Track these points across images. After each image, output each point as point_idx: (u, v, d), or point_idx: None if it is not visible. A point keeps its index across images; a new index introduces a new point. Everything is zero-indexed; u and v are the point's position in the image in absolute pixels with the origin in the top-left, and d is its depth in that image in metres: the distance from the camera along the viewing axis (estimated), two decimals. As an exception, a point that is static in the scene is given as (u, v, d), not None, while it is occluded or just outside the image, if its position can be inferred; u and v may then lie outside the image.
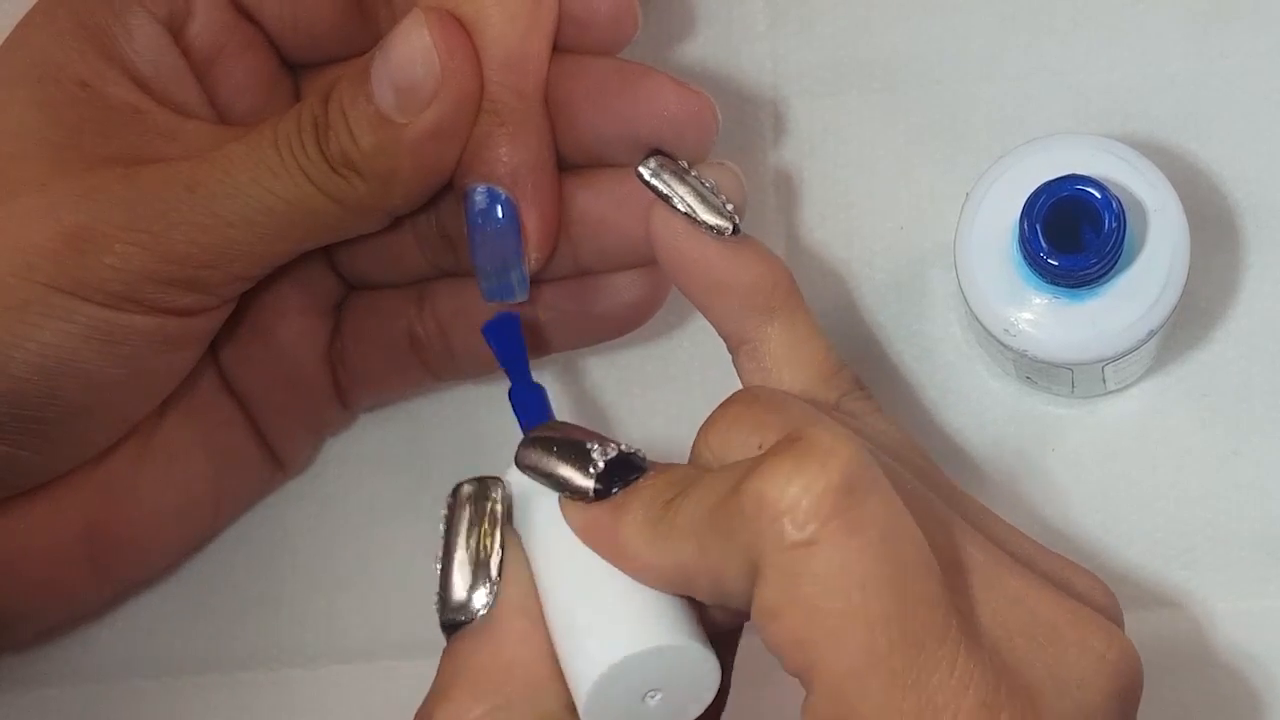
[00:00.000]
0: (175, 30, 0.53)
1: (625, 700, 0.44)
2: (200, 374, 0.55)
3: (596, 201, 0.52)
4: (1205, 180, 0.57)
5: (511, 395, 0.50)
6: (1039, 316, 0.52)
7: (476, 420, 0.59)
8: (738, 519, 0.41)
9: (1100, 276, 0.51)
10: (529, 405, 0.50)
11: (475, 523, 0.46)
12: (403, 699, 0.57)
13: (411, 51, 0.49)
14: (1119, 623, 0.45)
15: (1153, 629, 0.55)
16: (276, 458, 0.57)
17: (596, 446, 0.45)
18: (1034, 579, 0.43)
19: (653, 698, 0.44)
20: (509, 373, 0.50)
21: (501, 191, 0.51)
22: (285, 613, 0.58)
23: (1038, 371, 0.54)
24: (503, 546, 0.46)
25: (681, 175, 0.49)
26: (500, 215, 0.51)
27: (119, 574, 0.56)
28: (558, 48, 0.52)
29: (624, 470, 0.44)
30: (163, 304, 0.50)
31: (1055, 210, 0.50)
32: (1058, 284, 0.51)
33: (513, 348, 0.51)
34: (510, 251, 0.51)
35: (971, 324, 0.54)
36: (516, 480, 0.46)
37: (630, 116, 0.51)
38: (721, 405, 0.45)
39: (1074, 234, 0.51)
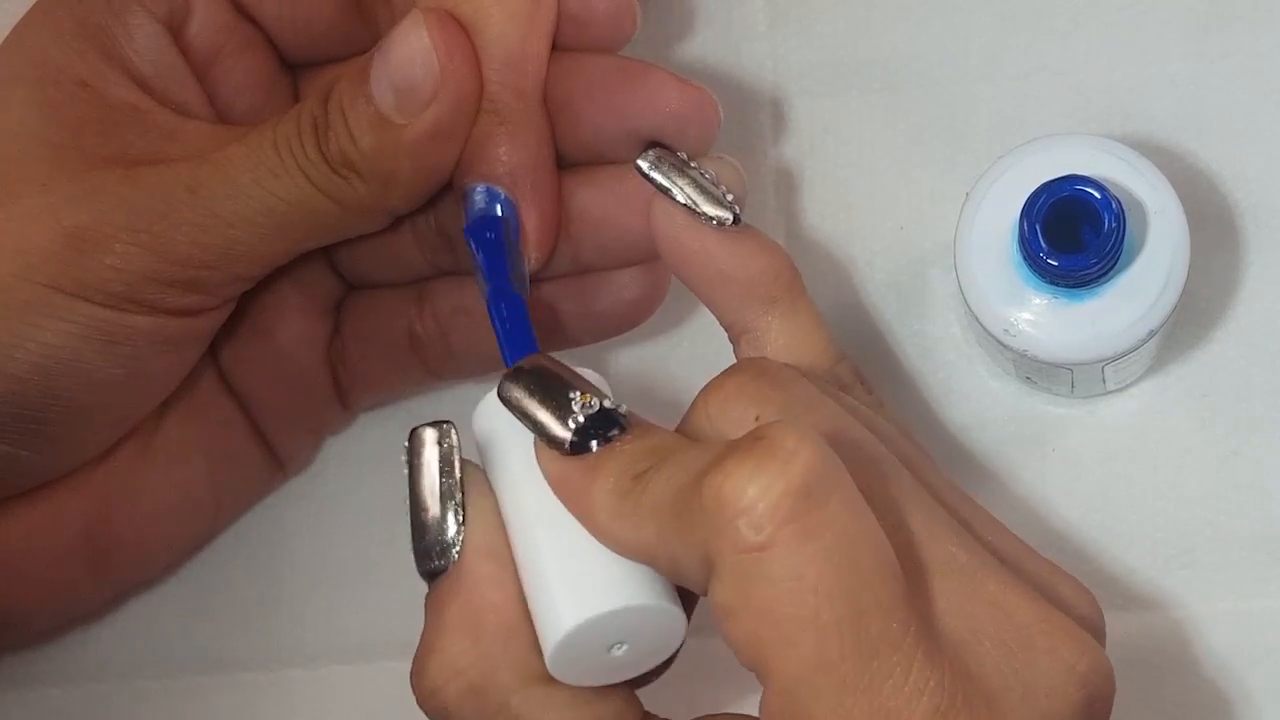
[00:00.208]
0: (175, 30, 0.53)
1: (591, 652, 0.44)
2: (200, 374, 0.55)
3: (597, 199, 0.52)
4: (1205, 180, 0.57)
5: (490, 307, 0.49)
6: (1039, 316, 0.52)
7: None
8: (697, 513, 0.41)
9: (1100, 276, 0.51)
10: (511, 321, 0.49)
11: (437, 466, 0.46)
12: (403, 699, 0.57)
13: (410, 52, 0.49)
14: (1100, 634, 0.44)
15: (1153, 629, 0.55)
16: (276, 458, 0.57)
17: (578, 398, 0.44)
18: (1014, 583, 0.43)
19: (618, 649, 0.44)
20: (489, 279, 0.49)
21: (501, 191, 0.51)
22: (285, 613, 0.58)
23: (1038, 371, 0.54)
24: (464, 488, 0.45)
25: (681, 167, 0.48)
26: (502, 213, 0.51)
27: (119, 574, 0.56)
28: (557, 46, 0.52)
29: (604, 425, 0.44)
30: (163, 304, 0.50)
31: (1055, 210, 0.50)
32: (1057, 284, 0.51)
33: (495, 251, 0.50)
34: (512, 250, 0.51)
35: (971, 324, 0.54)
36: (491, 417, 0.46)
37: (632, 113, 0.51)
38: (727, 371, 0.45)
39: (1074, 234, 0.51)
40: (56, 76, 0.51)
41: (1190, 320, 0.56)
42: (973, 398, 0.57)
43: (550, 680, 0.45)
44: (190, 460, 0.55)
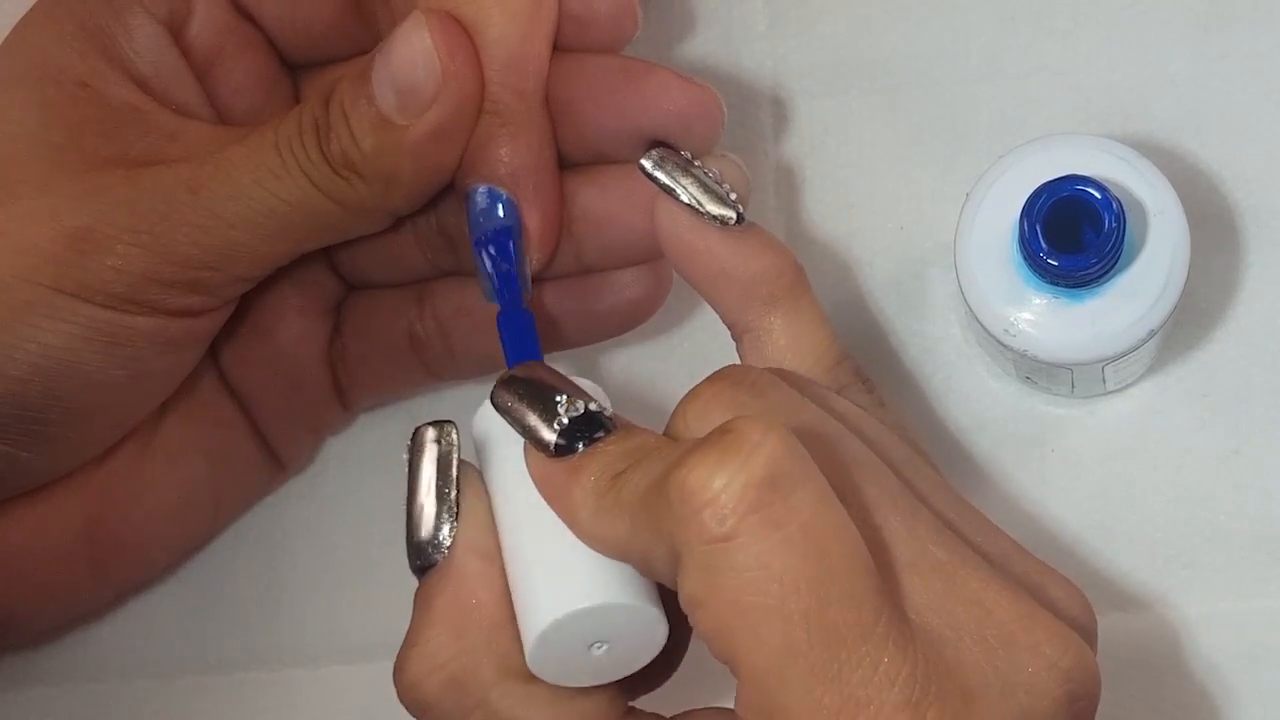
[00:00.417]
0: (175, 31, 0.53)
1: (571, 650, 0.44)
2: (200, 374, 0.55)
3: (600, 198, 0.52)
4: (1205, 180, 0.57)
5: (500, 320, 0.50)
6: (1039, 316, 0.52)
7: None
8: (664, 507, 0.41)
9: (1100, 276, 0.51)
10: (517, 333, 0.49)
11: (435, 465, 0.47)
12: (403, 699, 0.57)
13: (412, 54, 0.49)
14: (1090, 636, 0.44)
15: (1153, 629, 0.55)
16: (276, 458, 0.57)
17: (564, 401, 0.44)
18: (997, 581, 0.42)
19: (599, 648, 0.45)
20: (500, 295, 0.50)
21: (503, 192, 0.51)
22: (285, 613, 0.58)
23: (1038, 371, 0.54)
24: (459, 487, 0.46)
25: (684, 166, 0.49)
26: (502, 215, 0.51)
27: (119, 574, 0.56)
28: (558, 47, 0.52)
29: (589, 428, 0.44)
30: (164, 305, 0.50)
31: (1055, 210, 0.50)
32: (1058, 284, 0.51)
33: (506, 267, 0.50)
34: (514, 250, 0.51)
35: (971, 324, 0.54)
36: (488, 420, 0.46)
37: (635, 112, 0.51)
38: (706, 379, 0.45)
39: (1074, 234, 0.51)
40: (57, 77, 0.51)
41: (1190, 320, 0.56)
42: (973, 398, 0.57)
43: (531, 677, 0.45)
44: (190, 460, 0.55)
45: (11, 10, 0.53)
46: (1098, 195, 0.49)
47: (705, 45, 0.59)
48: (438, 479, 0.47)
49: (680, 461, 0.41)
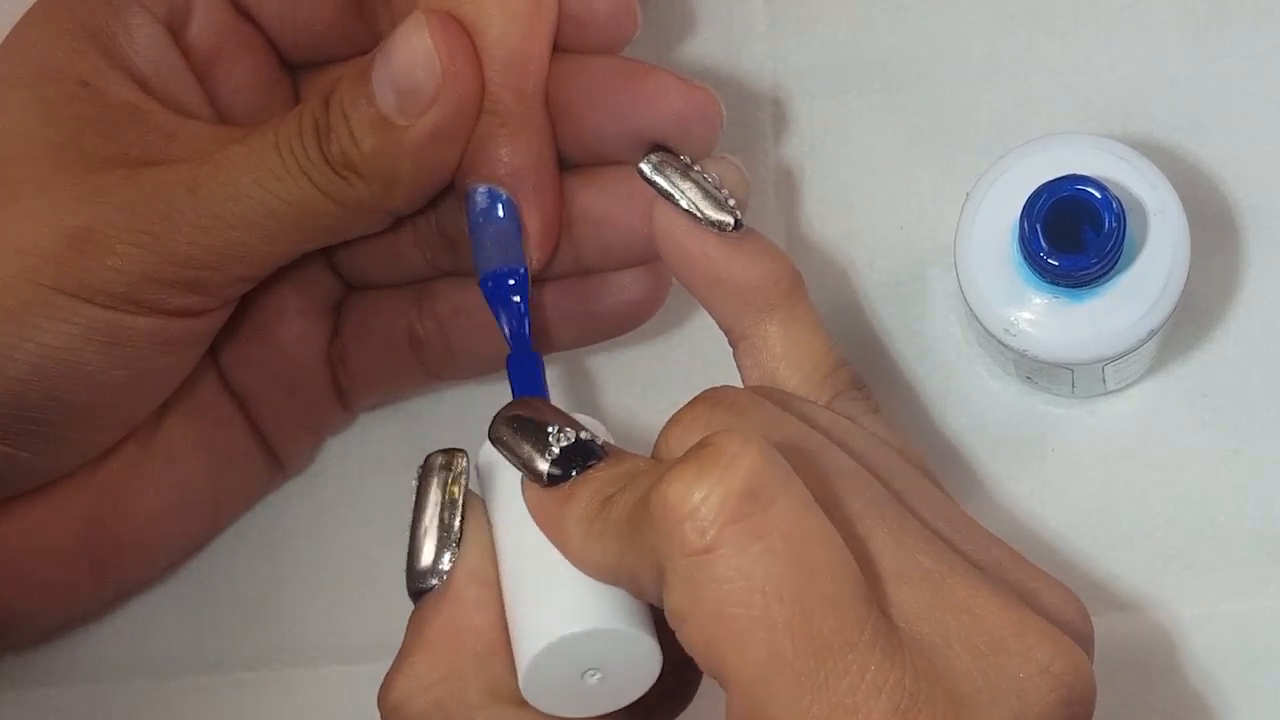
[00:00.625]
0: (175, 31, 0.53)
1: (564, 677, 0.44)
2: (200, 375, 0.55)
3: (599, 200, 0.52)
4: (1205, 180, 0.57)
5: (509, 362, 0.50)
6: (1039, 316, 0.52)
7: (476, 420, 0.58)
8: (647, 523, 0.41)
9: (1100, 276, 0.51)
10: (524, 375, 0.50)
11: (441, 493, 0.47)
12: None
13: (412, 54, 0.49)
14: (1086, 641, 0.44)
15: (1153, 629, 0.55)
16: (276, 458, 0.57)
17: (555, 431, 0.45)
18: (987, 588, 0.42)
19: (592, 676, 0.45)
20: (509, 338, 0.50)
21: (502, 192, 0.51)
22: (285, 613, 0.58)
23: (1038, 371, 0.54)
24: (464, 516, 0.47)
25: (684, 171, 0.49)
26: (502, 216, 0.51)
27: (119, 574, 0.56)
28: (557, 47, 0.52)
29: (581, 456, 0.44)
30: (164, 305, 0.50)
31: (1055, 210, 0.50)
32: (1058, 284, 0.51)
33: (517, 310, 0.50)
34: (513, 250, 0.51)
35: (971, 324, 0.54)
36: (490, 451, 0.47)
37: (634, 114, 0.51)
38: (687, 404, 0.45)
39: (1074, 234, 0.51)
40: (57, 76, 0.51)
41: (1190, 320, 0.56)
42: (973, 398, 0.57)
43: (521, 703, 0.45)
44: (190, 460, 0.55)
45: (11, 10, 0.53)
46: (1098, 195, 0.49)
47: (705, 45, 0.59)
48: (443, 508, 0.47)
49: (660, 478, 0.41)
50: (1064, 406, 0.57)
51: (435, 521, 0.47)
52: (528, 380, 0.50)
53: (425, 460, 0.48)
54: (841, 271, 0.58)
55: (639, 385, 0.58)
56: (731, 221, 0.48)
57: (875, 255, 0.58)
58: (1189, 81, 0.57)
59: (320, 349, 0.56)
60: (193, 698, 0.58)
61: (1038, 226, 0.50)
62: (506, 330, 0.51)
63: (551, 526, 0.45)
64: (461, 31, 0.50)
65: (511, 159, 0.51)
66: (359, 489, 0.59)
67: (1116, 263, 0.50)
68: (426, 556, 0.47)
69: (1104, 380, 0.54)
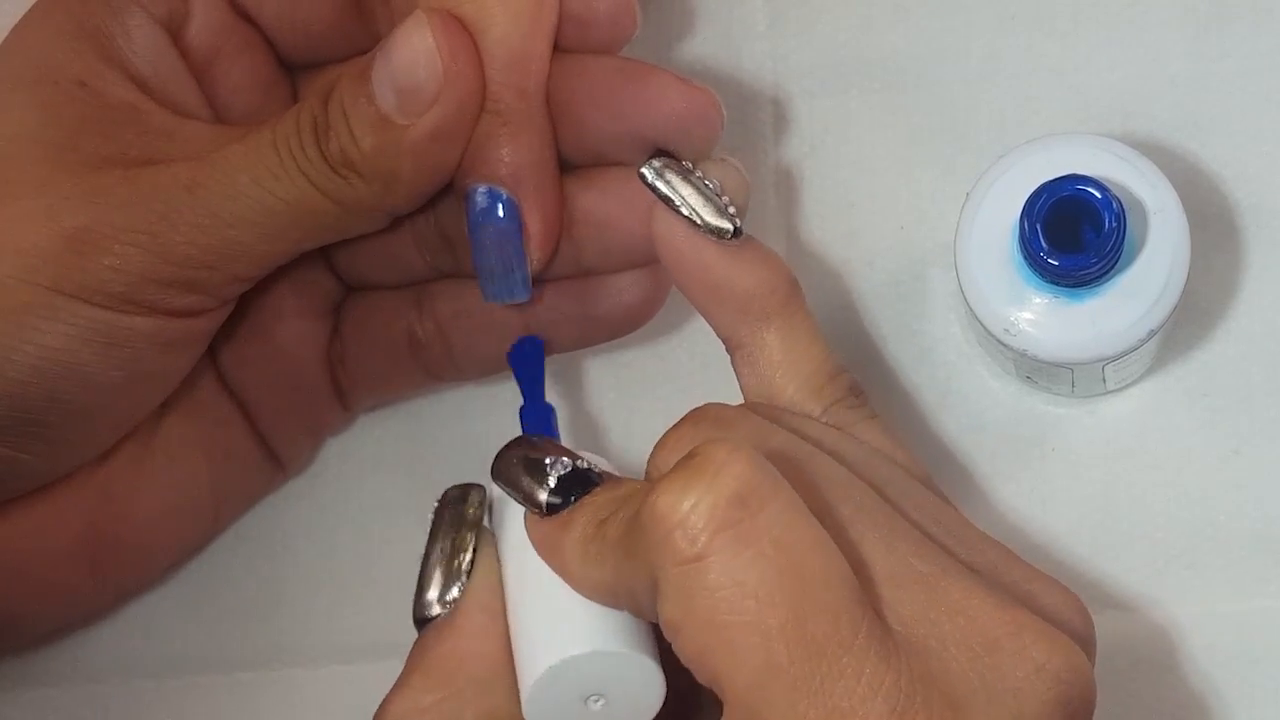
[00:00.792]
0: (174, 31, 0.53)
1: (567, 702, 0.45)
2: (200, 375, 0.55)
3: (600, 201, 0.52)
4: (1205, 180, 0.57)
5: (523, 413, 0.51)
6: (1039, 316, 0.52)
7: (476, 420, 0.59)
8: (639, 536, 0.41)
9: (1100, 276, 0.51)
10: (536, 426, 0.50)
11: (454, 525, 0.48)
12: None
13: (414, 53, 0.49)
14: (1085, 640, 0.44)
15: (1153, 629, 0.55)
16: (276, 458, 0.57)
17: (551, 462, 0.45)
18: (981, 590, 0.42)
19: (595, 702, 0.45)
20: (524, 393, 0.51)
21: (503, 192, 0.51)
22: (285, 613, 0.58)
23: (1038, 371, 0.54)
24: (475, 548, 0.47)
25: (684, 175, 0.48)
26: (502, 216, 0.51)
27: (119, 575, 0.56)
28: (557, 47, 0.52)
29: (579, 485, 0.45)
30: (163, 305, 0.50)
31: (1055, 210, 0.50)
32: (1058, 284, 0.51)
33: (533, 371, 0.51)
34: (513, 252, 0.51)
35: (971, 324, 0.54)
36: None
37: (635, 114, 0.51)
38: (673, 426, 0.46)
39: (1074, 234, 0.51)
40: (55, 77, 0.51)
41: (1191, 320, 0.56)
42: (973, 398, 0.57)
43: None
44: (190, 461, 0.55)
45: (11, 10, 0.53)
46: (1098, 195, 0.49)
47: (705, 45, 0.59)
48: (455, 541, 0.48)
49: (649, 495, 0.41)
50: (1064, 406, 0.57)
51: (446, 554, 0.48)
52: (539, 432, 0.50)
53: (443, 494, 0.49)
54: (841, 271, 0.58)
55: (639, 385, 0.58)
56: (730, 229, 0.48)
57: (875, 255, 0.58)
58: (1189, 81, 0.57)
59: (320, 350, 0.56)
60: (193, 698, 0.58)
61: (1038, 226, 0.50)
62: (522, 386, 0.51)
63: (551, 553, 0.45)
64: (463, 30, 0.50)
65: (513, 158, 0.51)
66: (359, 489, 0.59)
67: (1116, 262, 0.50)
68: (435, 589, 0.47)
69: (1104, 380, 0.54)
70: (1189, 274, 0.52)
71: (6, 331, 0.49)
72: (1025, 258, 0.51)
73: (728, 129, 0.52)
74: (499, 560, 0.48)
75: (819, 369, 0.48)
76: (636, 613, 0.44)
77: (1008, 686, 0.41)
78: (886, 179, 0.58)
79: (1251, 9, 0.57)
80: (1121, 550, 0.56)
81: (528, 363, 0.52)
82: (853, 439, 0.47)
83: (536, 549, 0.45)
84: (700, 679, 0.41)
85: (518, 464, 0.46)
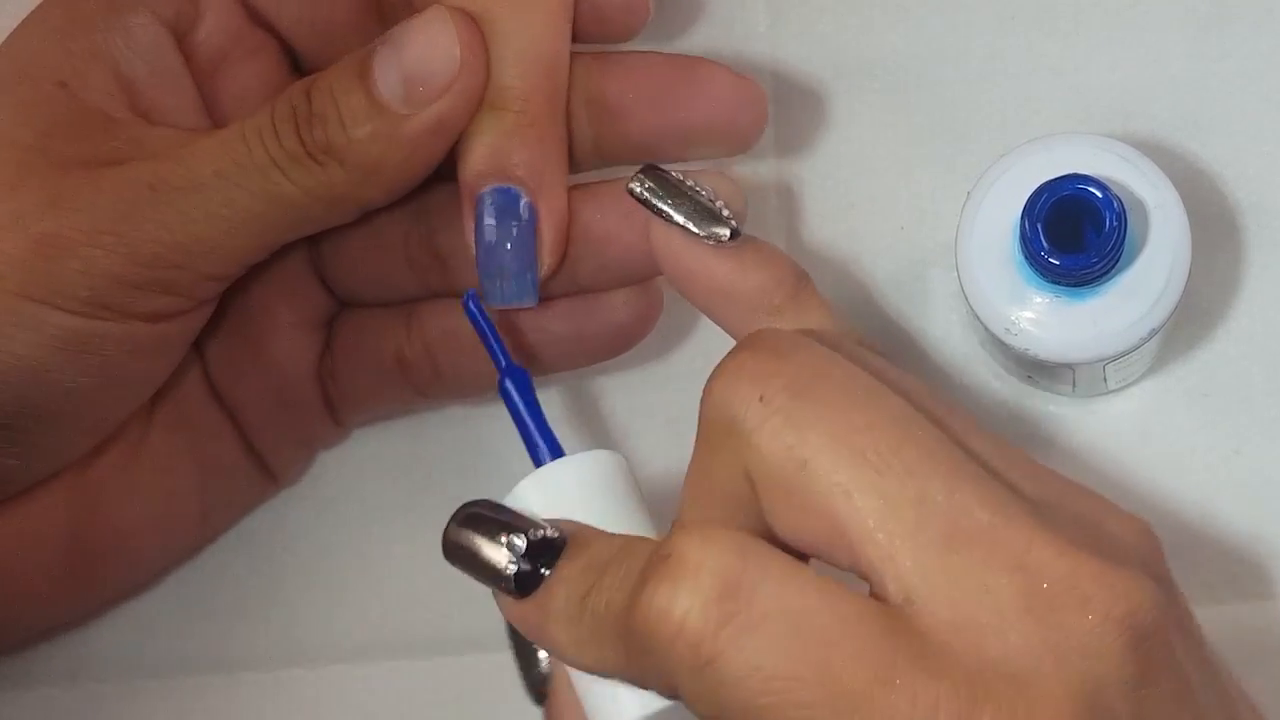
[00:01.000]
0: (180, 33, 0.53)
1: None
2: (190, 386, 0.55)
3: (598, 216, 0.52)
4: (1206, 180, 0.57)
5: (529, 446, 0.50)
6: (1040, 315, 0.52)
7: (476, 421, 0.59)
8: (639, 644, 0.41)
9: (1101, 276, 0.51)
10: (548, 454, 0.49)
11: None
12: (403, 699, 0.58)
13: (431, 43, 0.49)
14: (1151, 558, 0.43)
15: (1153, 629, 0.55)
16: (268, 470, 0.57)
17: (504, 542, 0.45)
18: (1042, 535, 0.41)
19: None
20: (525, 439, 0.50)
21: (522, 193, 0.51)
22: (285, 613, 0.58)
23: (1038, 371, 0.54)
24: None
25: (676, 186, 0.48)
26: (523, 216, 0.51)
27: (101, 583, 0.56)
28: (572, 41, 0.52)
29: (542, 556, 0.45)
30: (134, 309, 0.49)
31: (1056, 209, 0.50)
32: (1059, 283, 0.51)
33: (527, 408, 0.50)
34: (526, 254, 0.51)
35: (972, 323, 0.54)
36: None
37: (687, 107, 0.51)
38: (730, 352, 0.44)
39: (1075, 233, 0.51)
40: (36, 75, 0.51)
41: (1191, 319, 0.56)
42: (973, 398, 0.57)
43: None
44: (178, 471, 0.55)
45: (12, 11, 0.53)
46: (1099, 194, 0.49)
47: (705, 45, 0.59)
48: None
49: (637, 594, 0.41)
50: (1064, 406, 0.57)
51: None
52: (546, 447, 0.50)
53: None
54: (842, 271, 0.58)
55: (639, 387, 0.58)
56: (728, 233, 0.48)
57: (875, 255, 0.58)
58: (1189, 81, 0.57)
59: (310, 364, 0.56)
60: (193, 698, 0.58)
61: (1039, 226, 0.50)
62: (519, 428, 0.50)
63: (539, 638, 0.45)
64: (477, 28, 0.50)
65: (534, 160, 0.50)
66: (359, 489, 0.59)
67: (1117, 262, 0.50)
68: (533, 673, 0.48)
69: (1105, 380, 0.54)
70: (1189, 274, 0.52)
71: None
72: (1026, 257, 0.51)
73: (728, 129, 0.53)
74: None
75: None
76: (649, 690, 0.44)
77: (1074, 645, 0.40)
78: (886, 179, 0.58)
79: (1251, 9, 0.57)
80: (1122, 550, 0.56)
81: (519, 396, 0.50)
82: (911, 375, 0.46)
83: (522, 632, 0.46)
84: None
85: (468, 549, 0.46)
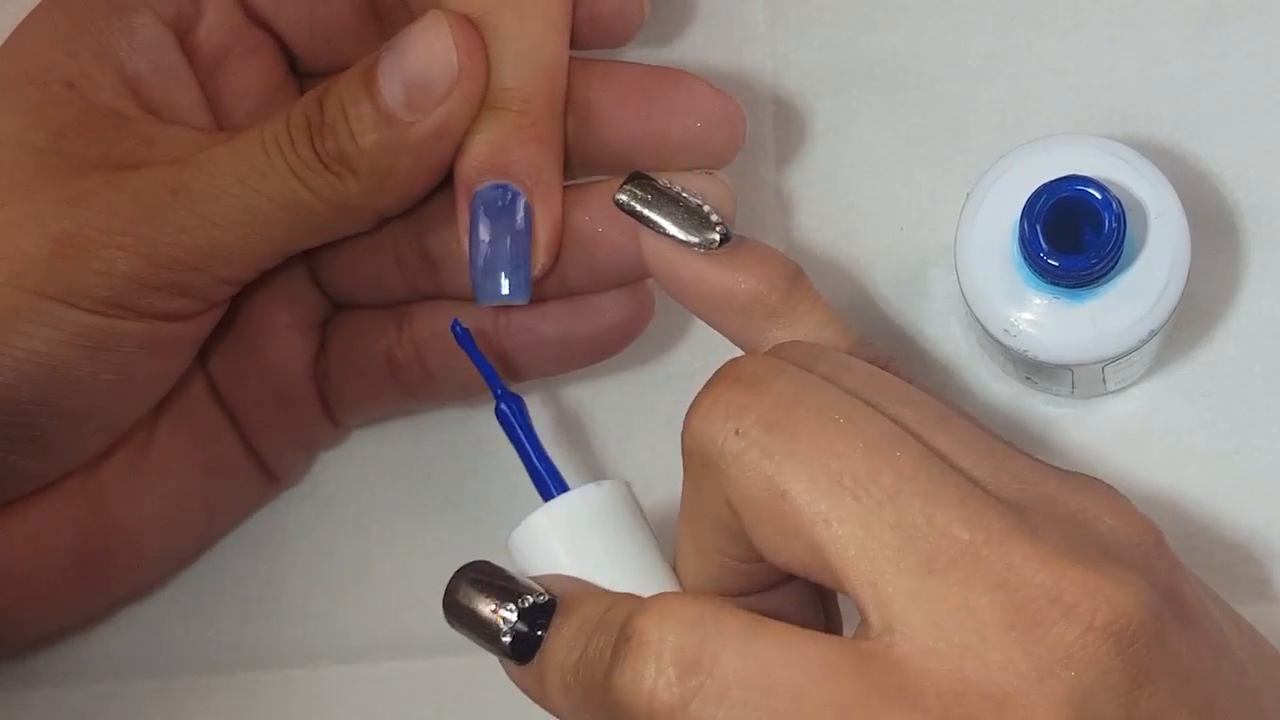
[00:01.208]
0: (182, 32, 0.53)
1: None
2: (193, 387, 0.55)
3: (588, 218, 0.52)
4: (1206, 181, 0.57)
5: (531, 474, 0.50)
6: (1039, 317, 0.52)
7: (475, 421, 0.59)
8: (623, 716, 0.42)
9: (1101, 277, 0.51)
10: (547, 484, 0.49)
11: None
12: (403, 699, 0.58)
13: (430, 50, 0.49)
14: (1147, 550, 0.43)
15: (1153, 629, 0.55)
16: (269, 471, 0.57)
17: (497, 616, 0.45)
18: (1023, 548, 0.41)
19: None
20: (521, 457, 0.50)
21: (520, 192, 0.51)
22: (285, 613, 0.58)
23: (1038, 372, 0.54)
24: None
25: (663, 193, 0.48)
26: (519, 214, 0.51)
27: (110, 584, 0.56)
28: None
29: (538, 617, 0.45)
30: (151, 309, 0.50)
31: (1056, 210, 0.50)
32: (1058, 284, 0.51)
33: (524, 434, 0.50)
34: (521, 252, 0.51)
35: (972, 324, 0.54)
36: (521, 550, 0.48)
37: (665, 118, 0.51)
38: (706, 385, 0.44)
39: (1074, 234, 0.51)
40: (44, 78, 0.51)
41: (1191, 320, 0.56)
42: (973, 398, 0.57)
43: None
44: (183, 472, 0.55)
45: (12, 11, 0.53)
46: (1098, 195, 0.49)
47: (705, 45, 0.59)
48: None
49: (610, 673, 0.42)
50: (1064, 406, 0.57)
51: None
52: (546, 483, 0.50)
53: None
54: (842, 272, 0.58)
55: (639, 388, 0.58)
56: (717, 238, 0.47)
57: (875, 255, 0.58)
58: (1189, 81, 0.57)
59: (306, 365, 0.56)
60: (193, 698, 0.58)
61: (1038, 227, 0.50)
62: (519, 453, 0.50)
63: (541, 703, 0.46)
64: (476, 32, 0.50)
65: (533, 159, 0.50)
66: (358, 489, 0.59)
67: (1117, 263, 0.50)
68: None
69: (1104, 381, 0.54)
70: (1189, 274, 0.52)
71: None
72: (1025, 258, 0.51)
73: (727, 129, 0.53)
74: None
75: (840, 347, 0.48)
76: None
77: (1058, 657, 0.40)
78: (886, 179, 0.58)
79: (1251, 9, 0.57)
80: (1121, 550, 0.56)
81: (515, 425, 0.50)
82: (894, 379, 0.45)
83: (530, 697, 0.46)
84: None
85: (465, 617, 0.46)
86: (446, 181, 0.52)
